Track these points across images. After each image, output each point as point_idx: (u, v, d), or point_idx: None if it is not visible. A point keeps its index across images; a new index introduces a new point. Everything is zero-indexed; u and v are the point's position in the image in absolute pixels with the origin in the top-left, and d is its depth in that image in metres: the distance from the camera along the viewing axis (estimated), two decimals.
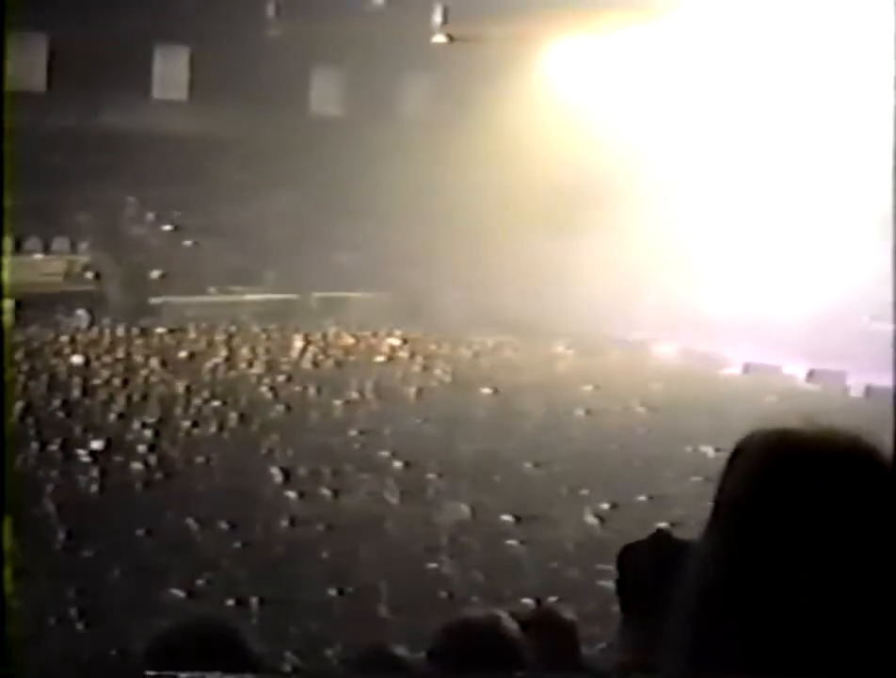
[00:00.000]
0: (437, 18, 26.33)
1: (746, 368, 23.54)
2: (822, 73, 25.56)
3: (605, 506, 13.00)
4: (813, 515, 1.49)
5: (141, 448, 14.93)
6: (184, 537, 11.56)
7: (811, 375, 22.82)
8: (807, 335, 23.02)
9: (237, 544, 11.41)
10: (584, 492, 13.58)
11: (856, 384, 22.02)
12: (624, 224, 26.54)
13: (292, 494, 13.15)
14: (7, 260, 23.05)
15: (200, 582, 10.28)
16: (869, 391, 21.48)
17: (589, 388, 20.02)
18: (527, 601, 9.17)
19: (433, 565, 11.10)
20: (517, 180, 27.07)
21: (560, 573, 10.93)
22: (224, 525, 11.83)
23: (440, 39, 26.57)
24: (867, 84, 24.72)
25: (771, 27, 25.69)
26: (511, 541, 11.81)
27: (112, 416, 16.68)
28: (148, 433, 15.72)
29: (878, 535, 1.49)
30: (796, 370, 23.00)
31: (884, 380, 21.47)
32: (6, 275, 20.07)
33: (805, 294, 24.20)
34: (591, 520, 12.65)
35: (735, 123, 27.22)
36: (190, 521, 11.88)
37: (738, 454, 1.58)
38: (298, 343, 23.62)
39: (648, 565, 3.08)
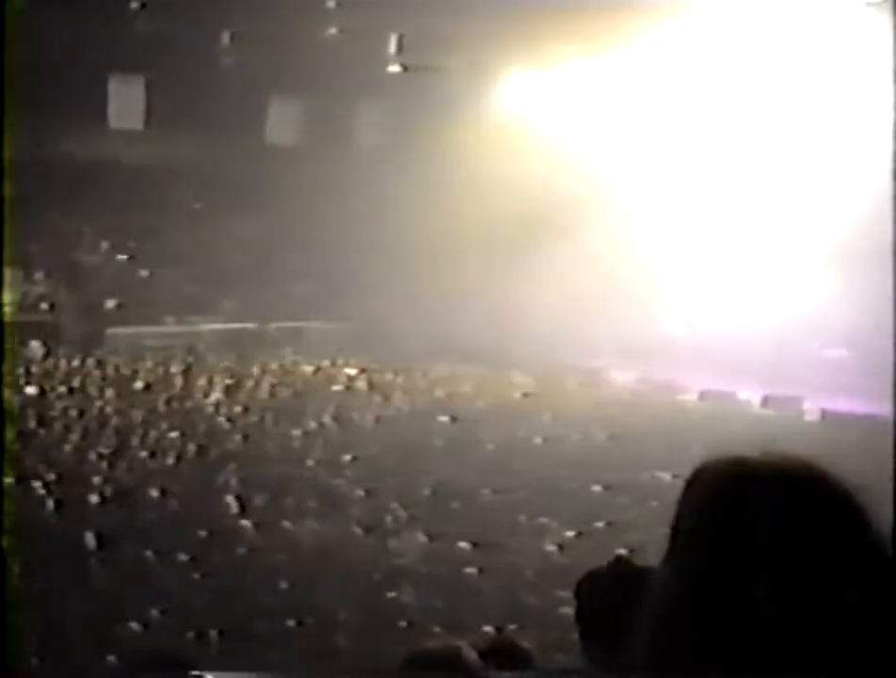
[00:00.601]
0: (392, 48, 26.41)
1: (703, 395, 23.69)
2: (778, 103, 25.82)
3: (564, 533, 13.01)
4: (768, 541, 1.52)
5: (97, 479, 14.81)
6: (140, 568, 11.46)
7: (766, 401, 22.99)
8: (762, 362, 23.22)
9: (195, 575, 11.33)
10: (543, 519, 13.60)
11: (810, 409, 22.20)
12: (581, 252, 26.70)
13: (248, 524, 13.08)
14: None
15: (157, 614, 10.20)
16: (824, 415, 21.67)
17: (547, 415, 20.06)
18: (487, 629, 9.15)
19: (392, 594, 11.07)
20: (473, 208, 27.17)
21: (520, 601, 10.92)
22: (182, 556, 11.74)
23: (395, 68, 26.66)
24: (824, 117, 25.00)
25: (720, 57, 25.94)
26: (470, 570, 11.79)
27: (68, 447, 16.55)
28: (104, 464, 15.60)
29: (831, 558, 1.52)
30: (752, 396, 23.17)
31: (838, 405, 21.70)
32: None
33: (759, 321, 24.41)
34: (550, 547, 12.66)
35: (687, 152, 27.46)
36: (148, 552, 11.79)
37: (694, 482, 1.61)
38: (256, 373, 23.55)
39: (607, 592, 3.10)
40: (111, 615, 10.11)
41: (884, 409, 21.00)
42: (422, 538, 12.81)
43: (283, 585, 11.19)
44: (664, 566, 1.66)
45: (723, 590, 1.52)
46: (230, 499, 13.95)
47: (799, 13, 23.50)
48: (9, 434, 15.57)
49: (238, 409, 19.96)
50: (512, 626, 9.48)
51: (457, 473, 15.63)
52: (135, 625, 9.89)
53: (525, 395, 22.22)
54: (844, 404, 21.61)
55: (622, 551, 9.57)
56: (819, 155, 25.34)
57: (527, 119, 30.22)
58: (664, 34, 25.73)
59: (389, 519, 13.61)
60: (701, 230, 27.01)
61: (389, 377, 23.72)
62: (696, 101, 27.01)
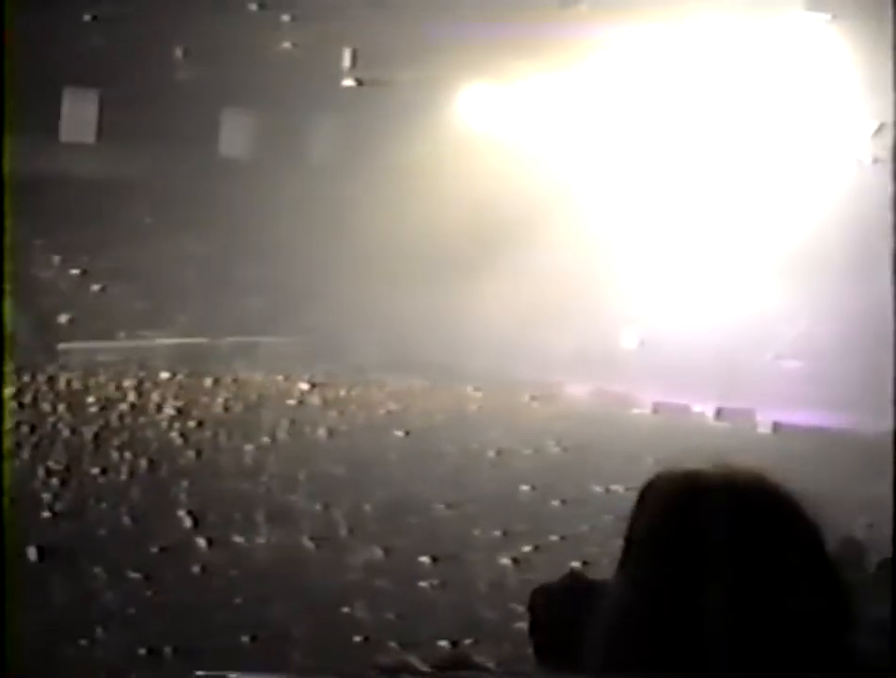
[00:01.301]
0: (346, 62, 26.40)
1: (656, 408, 23.80)
2: (730, 118, 26.02)
3: (519, 546, 13.02)
4: (719, 552, 1.53)
5: (47, 496, 14.68)
6: (92, 585, 11.37)
7: (720, 413, 23.13)
8: (715, 374, 23.37)
9: (148, 592, 11.25)
10: (497, 533, 13.60)
11: (763, 421, 22.36)
12: (535, 265, 26.79)
13: (202, 541, 13.00)
14: None
15: (108, 631, 10.11)
16: (776, 427, 21.83)
17: (501, 429, 20.09)
18: (443, 643, 9.14)
19: (347, 609, 11.04)
20: (427, 222, 27.20)
21: (475, 615, 10.92)
22: (134, 574, 11.65)
23: (349, 82, 26.65)
24: (776, 130, 25.21)
25: (675, 71, 26.11)
26: (425, 584, 11.77)
27: (18, 463, 16.39)
28: (55, 481, 15.46)
29: (781, 569, 1.53)
30: (705, 408, 23.31)
31: (791, 417, 21.88)
32: None
33: (713, 333, 24.56)
34: (505, 561, 12.66)
35: (641, 167, 27.62)
36: (98, 569, 11.69)
37: (646, 495, 1.62)
38: (209, 387, 23.44)
39: (560, 605, 3.09)
40: (63, 633, 10.01)
41: (836, 420, 21.23)
42: (377, 552, 12.78)
43: (237, 600, 11.12)
44: (617, 578, 1.67)
45: (675, 602, 1.52)
46: (183, 514, 13.86)
47: (757, 28, 23.69)
48: None
49: (191, 424, 19.85)
50: (468, 640, 9.48)
51: (412, 487, 15.62)
52: (83, 642, 9.80)
53: (479, 408, 22.25)
54: (797, 416, 21.78)
55: (576, 564, 9.61)
56: (771, 167, 25.57)
57: (481, 133, 30.31)
58: (619, 50, 25.87)
59: (343, 533, 13.58)
60: (655, 242, 27.18)
61: (342, 391, 23.69)
62: (651, 116, 27.18)
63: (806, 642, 1.53)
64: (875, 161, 23.01)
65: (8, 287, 17.30)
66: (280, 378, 24.58)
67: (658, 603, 1.57)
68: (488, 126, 30.37)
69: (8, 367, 21.13)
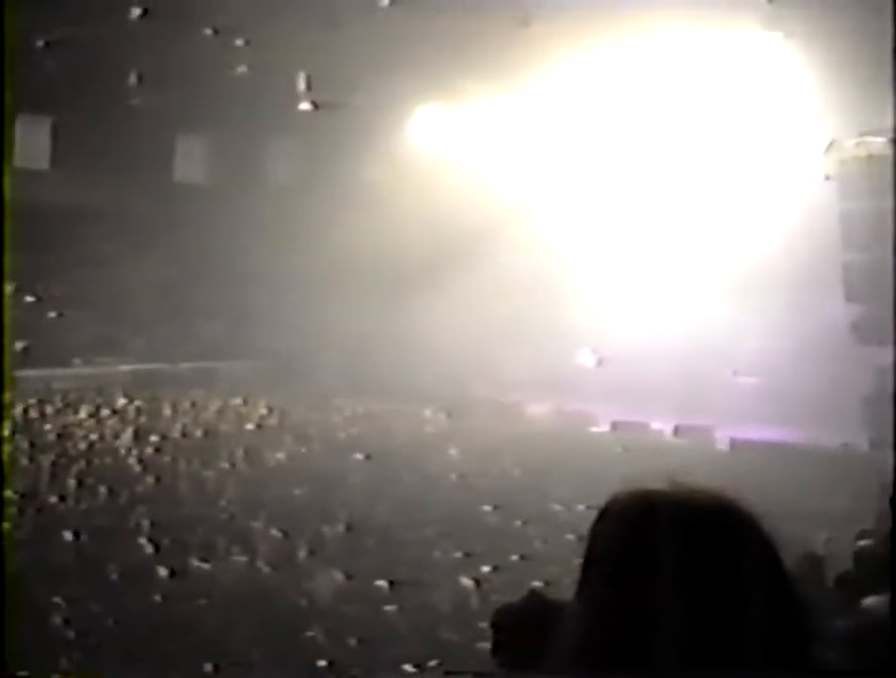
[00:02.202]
0: (301, 85, 26.43)
1: (615, 426, 23.87)
2: (681, 136, 26.21)
3: (480, 567, 13.01)
4: (677, 571, 1.54)
5: (4, 526, 14.54)
6: (51, 615, 11.27)
7: (678, 430, 23.23)
8: (674, 391, 23.48)
9: (108, 621, 11.16)
10: (459, 554, 13.59)
11: (721, 438, 22.46)
12: (492, 286, 26.86)
13: (161, 567, 12.92)
14: None
15: (68, 662, 10.02)
16: (734, 444, 21.94)
17: (461, 450, 20.10)
18: (406, 667, 9.13)
19: (310, 634, 11.00)
20: (383, 244, 27.23)
21: (438, 637, 10.90)
22: (94, 604, 11.56)
23: (305, 106, 26.67)
24: (728, 148, 25.41)
25: (626, 90, 26.29)
26: (388, 607, 11.75)
27: None
28: (12, 510, 15.32)
29: (739, 586, 1.55)
30: (664, 426, 23.40)
31: (748, 433, 22.00)
32: None
33: (671, 350, 24.68)
34: (467, 582, 12.65)
35: (595, 185, 27.76)
36: (58, 598, 11.60)
37: (604, 515, 1.64)
38: (167, 413, 23.32)
39: (521, 626, 3.11)
40: (20, 666, 9.91)
41: (792, 436, 21.37)
42: (338, 576, 12.75)
43: (198, 628, 11.06)
44: (577, 598, 1.68)
45: (634, 622, 1.54)
46: (142, 541, 13.77)
47: (711, 47, 23.88)
48: None
49: (149, 450, 19.75)
50: (431, 663, 9.46)
51: (372, 510, 15.59)
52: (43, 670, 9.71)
53: (439, 429, 22.25)
54: (754, 432, 21.90)
55: (538, 584, 9.62)
56: (726, 185, 25.76)
57: (435, 154, 30.39)
58: (571, 70, 26.03)
59: (304, 558, 13.53)
60: (611, 260, 27.30)
61: (301, 414, 23.63)
62: (604, 135, 27.35)
63: (765, 658, 1.54)
64: (827, 178, 23.26)
65: None
66: (239, 402, 24.51)
67: (617, 622, 1.58)
68: (443, 147, 30.47)
69: None
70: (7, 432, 20.76)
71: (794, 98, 24.01)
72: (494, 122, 29.37)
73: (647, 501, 1.62)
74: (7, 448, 19.43)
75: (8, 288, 28.48)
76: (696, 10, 20.78)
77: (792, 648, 1.58)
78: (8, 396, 24.24)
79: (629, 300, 26.66)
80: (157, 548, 13.53)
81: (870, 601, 5.87)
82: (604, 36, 23.19)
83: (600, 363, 25.37)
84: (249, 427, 22.43)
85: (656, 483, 1.63)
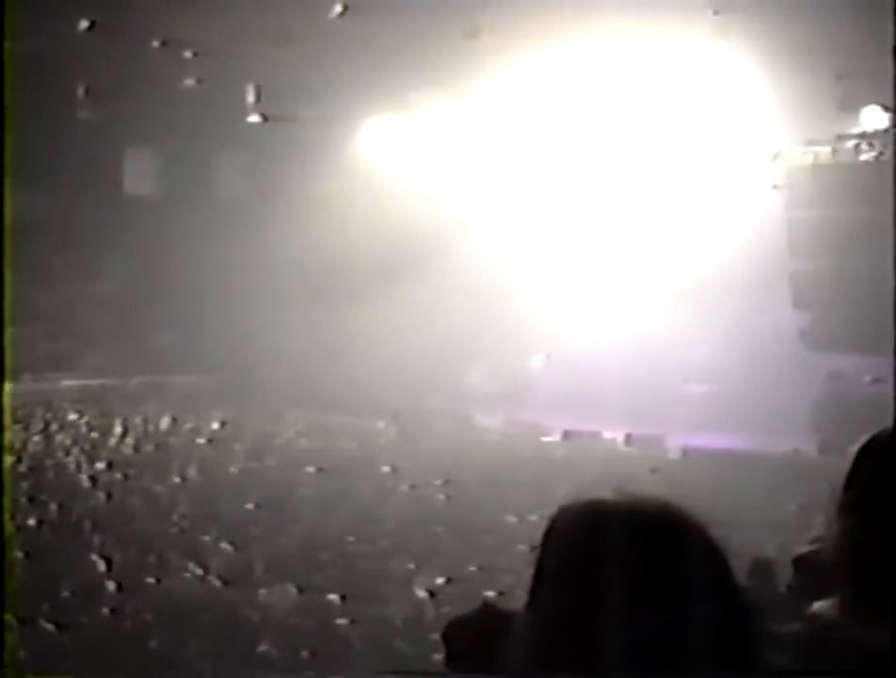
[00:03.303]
0: (250, 98, 26.36)
1: (567, 435, 23.93)
2: (630, 144, 26.34)
3: (434, 579, 13.00)
4: (627, 581, 1.55)
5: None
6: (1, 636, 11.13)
7: (630, 439, 23.32)
8: (624, 400, 23.56)
9: (62, 639, 11.06)
10: (412, 565, 13.57)
11: (673, 446, 22.58)
12: (443, 295, 26.88)
13: (112, 585, 12.81)
14: None
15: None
16: (685, 452, 22.06)
17: (413, 462, 20.07)
18: None
19: (263, 648, 10.93)
20: (334, 255, 27.21)
21: (392, 650, 10.87)
22: (45, 623, 11.45)
23: (254, 118, 26.60)
24: (678, 155, 25.55)
25: (577, 98, 26.39)
26: (342, 621, 11.71)
27: None
28: None
29: (687, 595, 1.55)
30: (616, 434, 23.49)
31: (699, 441, 22.12)
32: None
33: (622, 359, 24.78)
34: (421, 594, 12.63)
35: (545, 193, 27.85)
36: (8, 616, 11.46)
37: (553, 526, 1.64)
38: (118, 428, 23.15)
39: (473, 637, 3.11)
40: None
41: (743, 443, 21.51)
42: (291, 590, 12.69)
43: (153, 643, 10.97)
44: (527, 609, 1.68)
45: (582, 632, 1.54)
46: (94, 558, 13.66)
47: (660, 54, 23.99)
48: None
49: (100, 466, 19.60)
50: (386, 676, 9.42)
51: (326, 523, 15.54)
52: None
53: (392, 441, 22.22)
54: (705, 439, 22.02)
55: (491, 594, 9.62)
56: (674, 193, 25.91)
57: (387, 165, 30.39)
58: (521, 79, 26.10)
59: (257, 571, 13.46)
60: (560, 268, 27.38)
61: (254, 428, 23.54)
62: (553, 143, 27.44)
63: (711, 663, 1.55)
64: (774, 187, 23.47)
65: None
66: (191, 416, 24.38)
67: (566, 633, 1.58)
68: (393, 158, 30.48)
69: None
70: None
71: (742, 108, 24.20)
72: (444, 132, 29.41)
73: (594, 511, 1.63)
74: None
75: None
76: (644, 22, 20.90)
77: (738, 653, 1.58)
78: None
79: (581, 309, 26.74)
80: (109, 564, 13.42)
81: (818, 605, 5.90)
82: (553, 46, 23.27)
83: (551, 371, 25.45)
84: (201, 441, 22.31)
85: (604, 493, 1.63)
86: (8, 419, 23.55)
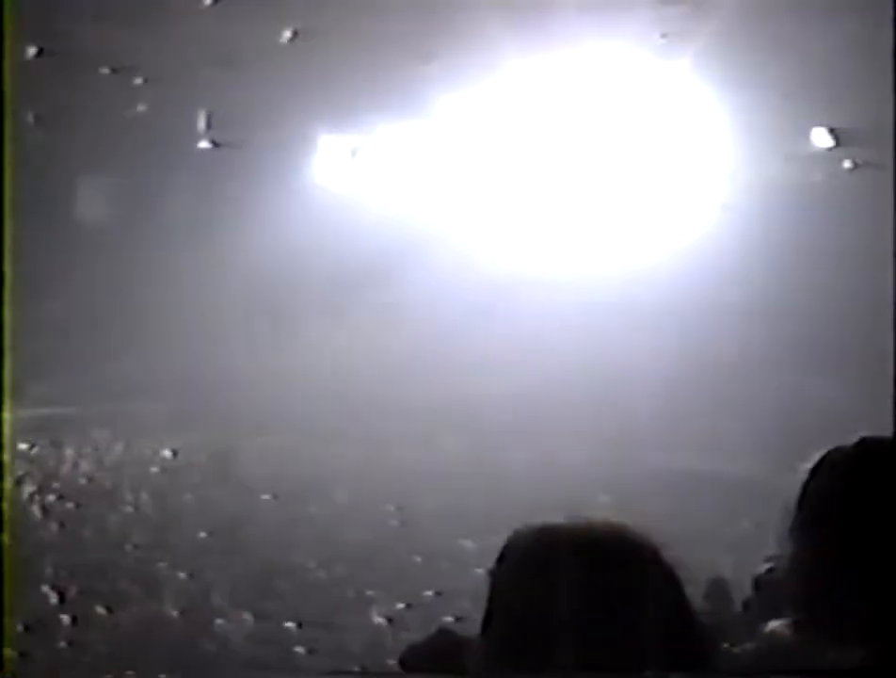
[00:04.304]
0: (201, 124, 26.29)
1: (524, 456, 23.86)
2: (584, 165, 26.50)
3: (392, 605, 12.95)
4: (576, 605, 1.53)
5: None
6: None
7: (586, 460, 23.29)
8: (582, 420, 23.58)
9: (11, 673, 10.89)
10: (370, 592, 13.52)
11: (630, 466, 22.58)
12: (400, 317, 26.87)
13: (67, 616, 12.67)
14: None
15: None
16: (641, 473, 22.08)
17: (370, 487, 19.99)
18: None
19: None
20: (287, 279, 27.14)
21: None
22: None
23: (205, 144, 26.54)
24: (623, 181, 25.73)
25: (528, 126, 26.53)
26: (299, 649, 11.63)
27: None
28: None
29: (641, 620, 1.53)
30: (571, 457, 23.46)
31: (654, 462, 22.16)
32: None
33: (576, 378, 24.82)
34: (379, 620, 12.58)
35: (499, 214, 27.95)
36: None
37: (505, 552, 1.63)
38: (70, 458, 22.93)
39: (430, 664, 3.08)
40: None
41: (698, 463, 21.58)
42: (247, 618, 12.60)
43: (107, 677, 10.86)
44: (482, 635, 1.66)
45: (535, 658, 1.52)
46: (46, 590, 13.51)
47: (614, 73, 24.14)
48: None
49: (52, 497, 19.40)
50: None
51: (281, 550, 15.45)
52: None
53: (347, 466, 22.11)
54: (660, 460, 22.07)
55: (449, 619, 9.59)
56: (627, 216, 26.05)
57: (338, 190, 30.37)
58: (471, 104, 26.20)
59: (213, 600, 13.35)
60: (514, 289, 27.41)
61: (207, 455, 23.38)
62: (504, 167, 27.56)
63: None
64: (724, 208, 23.67)
65: None
66: (145, 443, 24.19)
67: (520, 659, 1.56)
68: (345, 182, 30.47)
69: None
70: None
71: (690, 130, 24.39)
72: (398, 156, 29.45)
73: (546, 537, 1.61)
74: None
75: None
76: (593, 46, 21.04)
77: (692, 672, 1.57)
78: None
79: (534, 332, 26.79)
80: (62, 596, 13.28)
81: (772, 625, 5.92)
82: (505, 71, 23.38)
83: (509, 393, 25.46)
84: (155, 469, 22.15)
85: (554, 517, 1.62)
86: None
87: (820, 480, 2.04)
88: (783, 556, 1.94)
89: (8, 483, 20.49)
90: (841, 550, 1.89)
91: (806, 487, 2.03)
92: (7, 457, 22.80)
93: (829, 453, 2.09)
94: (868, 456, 2.05)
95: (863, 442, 2.09)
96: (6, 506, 17.37)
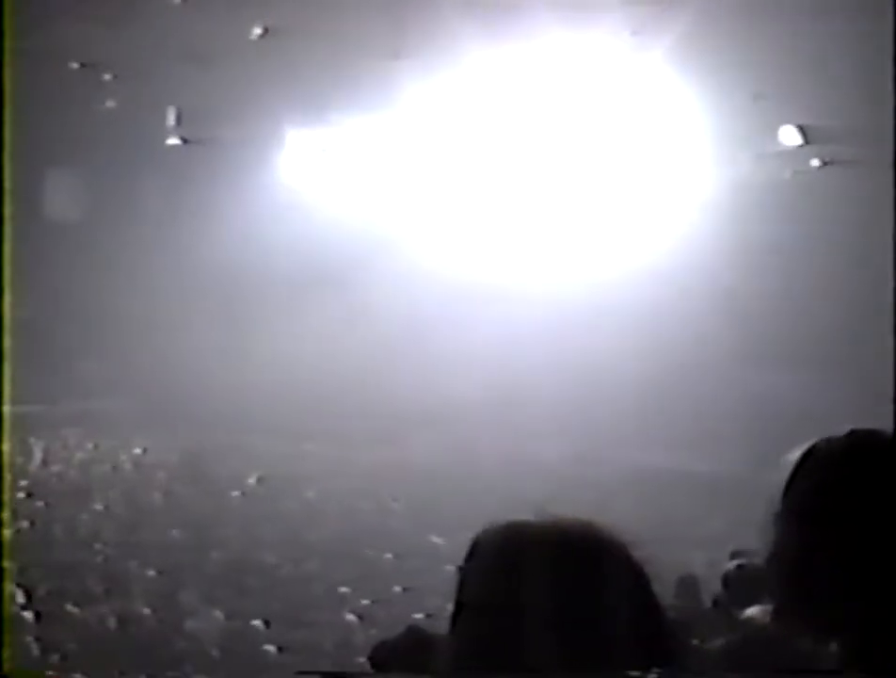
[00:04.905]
0: (171, 120, 26.18)
1: (497, 454, 23.84)
2: (554, 163, 26.51)
3: (362, 601, 12.94)
4: (544, 602, 1.52)
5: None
6: None
7: (560, 457, 23.30)
8: (556, 418, 23.59)
9: None
10: (341, 590, 13.50)
11: (604, 464, 22.62)
12: (366, 315, 26.83)
13: (29, 615, 12.60)
14: None
15: None
16: (616, 470, 22.12)
17: (341, 484, 20.00)
18: None
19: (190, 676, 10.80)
20: (256, 276, 27.06)
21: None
22: None
23: (174, 141, 26.43)
24: (601, 182, 25.76)
25: (496, 124, 26.53)
26: (269, 647, 11.60)
27: None
28: None
29: (608, 617, 1.53)
30: (545, 453, 23.47)
31: (628, 459, 22.22)
32: None
33: (550, 377, 24.83)
34: (350, 617, 12.56)
35: (464, 214, 27.92)
36: None
37: (473, 550, 1.62)
38: (39, 456, 22.82)
39: (399, 661, 3.08)
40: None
41: (671, 461, 21.65)
42: (217, 615, 12.56)
43: (76, 675, 10.80)
44: (452, 632, 1.65)
45: (503, 653, 1.51)
46: (14, 589, 13.42)
47: (582, 74, 24.17)
48: None
49: (21, 494, 19.30)
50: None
51: (251, 547, 15.42)
52: None
53: (318, 464, 22.08)
54: (634, 457, 22.11)
55: (419, 616, 9.58)
56: (596, 212, 26.08)
57: (307, 186, 30.28)
58: (441, 100, 26.18)
59: (182, 598, 13.31)
60: (484, 287, 27.38)
61: (178, 453, 23.31)
62: (473, 164, 27.53)
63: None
64: (693, 205, 23.71)
65: None
66: (114, 442, 24.10)
67: (488, 655, 1.56)
68: (314, 179, 30.39)
69: None
70: None
71: (661, 128, 24.44)
72: (366, 153, 29.40)
73: (514, 533, 1.60)
74: None
75: None
76: (563, 42, 21.07)
77: (660, 668, 1.56)
78: None
79: (504, 329, 26.77)
80: (29, 594, 13.20)
81: (751, 611, 5.95)
82: (474, 69, 23.38)
83: (482, 389, 25.45)
84: (126, 467, 22.08)
85: (525, 514, 1.61)
86: None
87: (808, 469, 2.03)
88: (766, 544, 1.93)
89: None
90: (826, 541, 1.89)
91: (793, 475, 2.02)
92: None
93: (817, 443, 2.08)
94: (857, 447, 2.05)
95: (853, 433, 2.09)
96: None
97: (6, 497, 19.07)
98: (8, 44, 12.90)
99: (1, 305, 17.81)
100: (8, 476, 20.82)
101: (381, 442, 24.85)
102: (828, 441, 2.07)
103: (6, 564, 14.62)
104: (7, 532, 16.62)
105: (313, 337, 26.40)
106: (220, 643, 11.80)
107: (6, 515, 17.79)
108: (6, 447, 23.51)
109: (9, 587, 13.46)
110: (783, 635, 1.97)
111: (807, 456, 2.05)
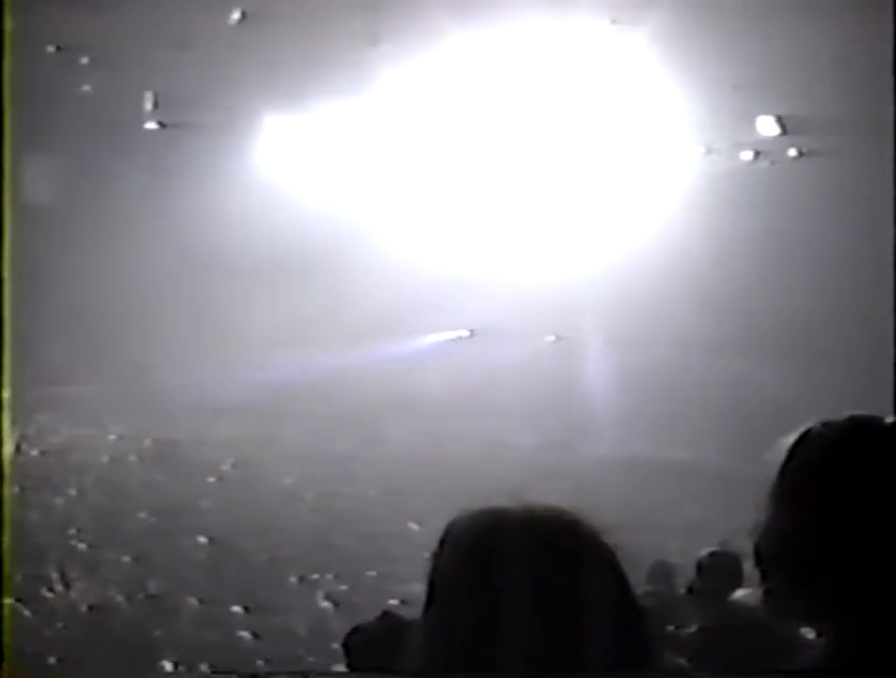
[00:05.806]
0: (148, 105, 26.05)
1: (478, 442, 23.84)
2: (534, 151, 26.51)
3: (337, 588, 12.95)
4: (517, 590, 1.53)
5: None
6: None
7: (539, 446, 23.34)
8: (535, 407, 23.63)
9: None
10: (315, 576, 13.50)
11: (582, 451, 22.68)
12: (347, 300, 26.78)
13: (10, 600, 12.55)
14: None
15: None
16: (593, 459, 22.19)
17: (316, 471, 19.99)
18: None
19: (166, 663, 10.79)
20: (231, 260, 26.96)
21: (296, 662, 10.80)
22: None
23: (152, 125, 26.30)
24: (582, 171, 25.76)
25: (476, 108, 26.51)
26: (243, 633, 11.60)
27: None
28: None
29: (581, 603, 1.53)
30: (521, 441, 23.50)
31: (608, 448, 22.26)
32: None
33: (530, 366, 24.86)
34: (324, 604, 12.57)
35: (444, 198, 27.89)
36: None
37: (446, 537, 1.62)
38: (13, 441, 22.70)
39: (374, 646, 3.08)
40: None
41: (647, 449, 21.71)
42: (192, 603, 12.54)
43: (51, 660, 10.78)
44: (424, 618, 1.66)
45: (479, 642, 1.52)
46: None
47: (562, 63, 24.14)
48: None
49: None
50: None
51: (227, 534, 15.39)
52: None
53: (294, 450, 22.07)
54: (614, 447, 22.15)
55: (394, 602, 9.59)
56: (574, 201, 26.09)
57: (285, 171, 30.20)
58: (419, 86, 26.13)
59: (157, 585, 13.29)
60: (462, 275, 27.38)
61: (154, 439, 23.24)
62: (454, 150, 27.50)
63: (606, 664, 1.54)
64: (672, 194, 23.74)
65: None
66: (90, 428, 24.01)
67: (460, 641, 1.56)
68: (292, 164, 30.30)
69: None
70: None
71: (640, 117, 24.44)
72: (344, 138, 29.33)
73: (487, 520, 1.61)
74: None
75: None
76: (543, 29, 21.04)
77: (632, 655, 1.57)
78: None
79: (482, 318, 26.80)
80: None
81: (738, 594, 6.00)
82: (452, 55, 23.33)
83: (456, 376, 25.45)
84: (102, 454, 22.01)
85: (499, 501, 1.62)
86: None
87: (804, 450, 2.03)
88: (758, 527, 1.94)
89: None
90: (820, 523, 1.90)
91: (789, 457, 2.02)
92: None
93: (813, 427, 2.09)
94: (854, 430, 2.05)
95: (851, 418, 2.09)
96: None
97: None
98: None
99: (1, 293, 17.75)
100: None
101: (357, 427, 24.83)
102: (825, 424, 2.07)
103: None
104: None
105: (290, 322, 26.35)
106: (195, 629, 11.79)
107: None
108: None
109: None
110: (771, 618, 1.98)
111: (802, 438, 2.05)
